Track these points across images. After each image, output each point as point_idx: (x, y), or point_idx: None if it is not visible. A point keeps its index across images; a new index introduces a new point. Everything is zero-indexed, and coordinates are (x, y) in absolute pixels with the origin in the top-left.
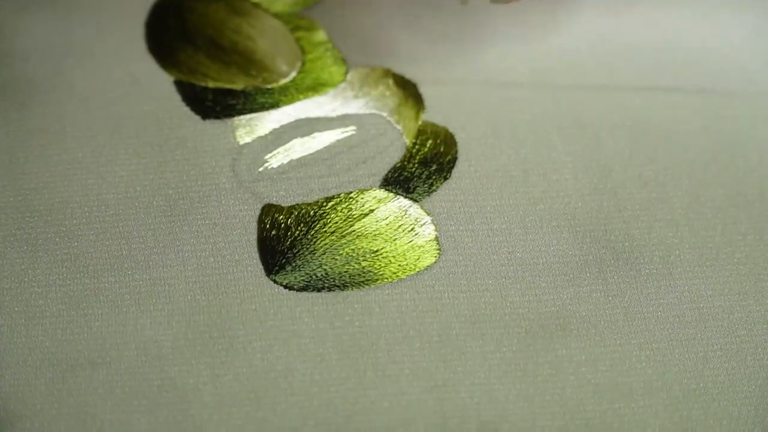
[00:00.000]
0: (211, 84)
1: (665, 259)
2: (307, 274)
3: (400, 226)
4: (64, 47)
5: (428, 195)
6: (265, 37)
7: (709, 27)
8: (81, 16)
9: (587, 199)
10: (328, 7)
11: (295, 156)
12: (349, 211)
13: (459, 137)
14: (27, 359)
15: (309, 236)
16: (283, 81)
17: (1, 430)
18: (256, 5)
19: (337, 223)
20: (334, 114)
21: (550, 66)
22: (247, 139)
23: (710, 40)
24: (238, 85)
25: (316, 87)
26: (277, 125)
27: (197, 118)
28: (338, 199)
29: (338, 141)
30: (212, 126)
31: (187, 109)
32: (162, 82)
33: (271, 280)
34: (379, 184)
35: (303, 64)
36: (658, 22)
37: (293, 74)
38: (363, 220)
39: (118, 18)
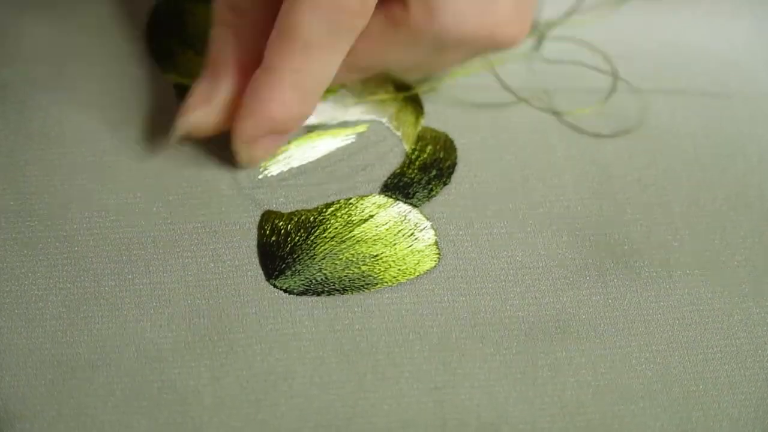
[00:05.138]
0: None
1: (665, 262)
2: (306, 278)
3: (399, 230)
4: (64, 49)
5: (428, 200)
6: None
7: (709, 28)
8: (81, 19)
9: (587, 202)
10: None
11: (295, 164)
12: (348, 217)
13: (459, 143)
14: (27, 360)
15: (309, 241)
16: None
17: (2, 430)
18: None
19: (336, 228)
20: (333, 121)
21: (548, 69)
22: None
23: (710, 41)
24: None
25: None
26: None
27: None
28: (338, 205)
29: (338, 149)
30: None
31: None
32: (162, 86)
33: (271, 284)
34: (378, 190)
35: None
36: (658, 24)
37: None
38: (363, 225)
39: (118, 20)
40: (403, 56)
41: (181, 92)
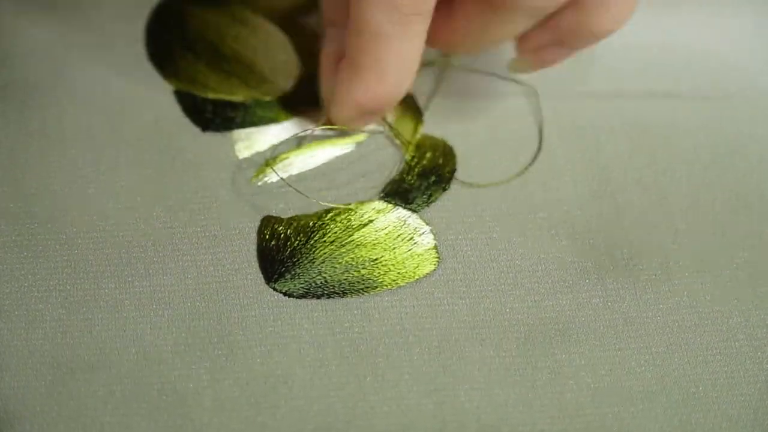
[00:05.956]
0: (211, 95)
1: (664, 265)
2: (306, 281)
3: (399, 235)
4: (64, 50)
5: (427, 205)
6: (266, 47)
7: (709, 28)
8: (82, 19)
9: (586, 205)
10: None
11: (294, 171)
12: (348, 222)
13: (458, 149)
14: (27, 362)
15: (308, 246)
16: (283, 93)
17: (1, 431)
18: (257, 13)
19: (336, 232)
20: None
21: (548, 72)
22: (246, 154)
23: (710, 42)
24: (238, 97)
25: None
26: (276, 141)
27: (197, 129)
28: (337, 210)
29: (336, 157)
30: (212, 138)
31: (186, 120)
32: (162, 91)
33: (271, 287)
34: (378, 196)
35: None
36: (657, 25)
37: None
38: (362, 229)
39: (118, 22)
40: (501, 32)
41: (181, 96)
